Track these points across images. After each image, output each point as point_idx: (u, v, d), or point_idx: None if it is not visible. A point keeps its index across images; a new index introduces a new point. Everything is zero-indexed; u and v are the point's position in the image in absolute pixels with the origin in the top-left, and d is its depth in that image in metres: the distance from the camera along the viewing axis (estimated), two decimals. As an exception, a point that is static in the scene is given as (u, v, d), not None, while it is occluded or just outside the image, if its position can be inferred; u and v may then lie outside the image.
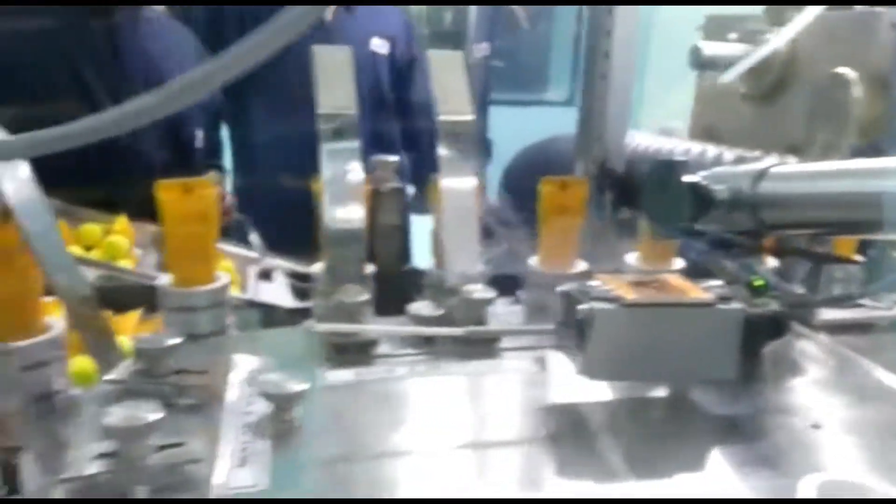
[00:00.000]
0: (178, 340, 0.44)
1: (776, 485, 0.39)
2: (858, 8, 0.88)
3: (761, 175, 0.53)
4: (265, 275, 1.03)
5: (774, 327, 0.48)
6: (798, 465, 0.41)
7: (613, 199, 0.84)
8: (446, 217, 0.58)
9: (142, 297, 0.79)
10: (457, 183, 0.59)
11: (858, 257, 0.62)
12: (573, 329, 0.43)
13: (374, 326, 0.52)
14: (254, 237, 1.03)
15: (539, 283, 0.62)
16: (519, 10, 2.40)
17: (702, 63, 0.92)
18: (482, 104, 2.04)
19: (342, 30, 1.61)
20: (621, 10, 0.81)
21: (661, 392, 0.48)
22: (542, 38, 2.98)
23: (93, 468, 0.35)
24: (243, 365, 0.49)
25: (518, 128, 2.14)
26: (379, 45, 1.69)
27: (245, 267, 1.02)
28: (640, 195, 0.63)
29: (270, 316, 0.91)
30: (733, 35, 1.00)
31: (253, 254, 1.02)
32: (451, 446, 0.41)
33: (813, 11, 0.80)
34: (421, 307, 0.55)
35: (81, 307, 0.44)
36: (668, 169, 0.56)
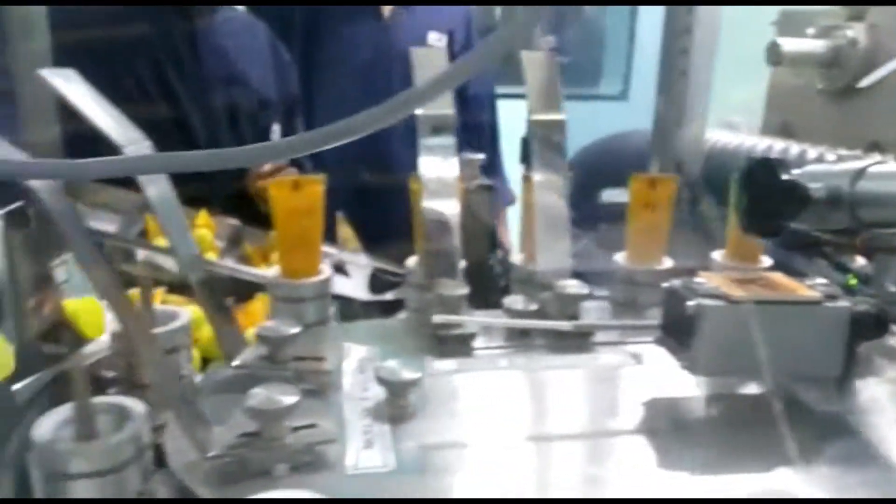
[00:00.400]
0: (298, 329, 0.47)
1: (882, 479, 0.39)
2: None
3: (860, 174, 0.53)
4: (338, 268, 1.06)
5: (877, 325, 0.48)
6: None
7: (690, 197, 0.84)
8: (538, 213, 0.60)
9: (229, 288, 0.82)
10: (548, 179, 0.61)
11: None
12: (680, 325, 0.44)
13: (488, 320, 0.54)
14: (345, 229, 1.06)
15: (627, 279, 0.63)
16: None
17: (781, 59, 0.91)
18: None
19: (399, 25, 1.63)
20: (703, 8, 0.81)
21: (756, 388, 0.49)
22: (596, 31, 2.96)
23: (239, 446, 0.37)
24: (354, 353, 0.51)
25: (572, 121, 2.13)
26: (435, 39, 1.70)
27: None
28: (717, 192, 0.63)
29: (345, 308, 0.94)
30: (811, 31, 0.98)
31: (329, 249, 1.05)
32: (555, 435, 0.43)
33: None
34: (516, 301, 0.57)
35: (209, 293, 0.47)
36: (763, 167, 0.56)
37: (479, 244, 0.66)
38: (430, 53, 0.62)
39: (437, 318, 0.51)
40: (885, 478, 0.39)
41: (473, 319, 0.53)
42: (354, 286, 0.97)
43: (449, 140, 0.60)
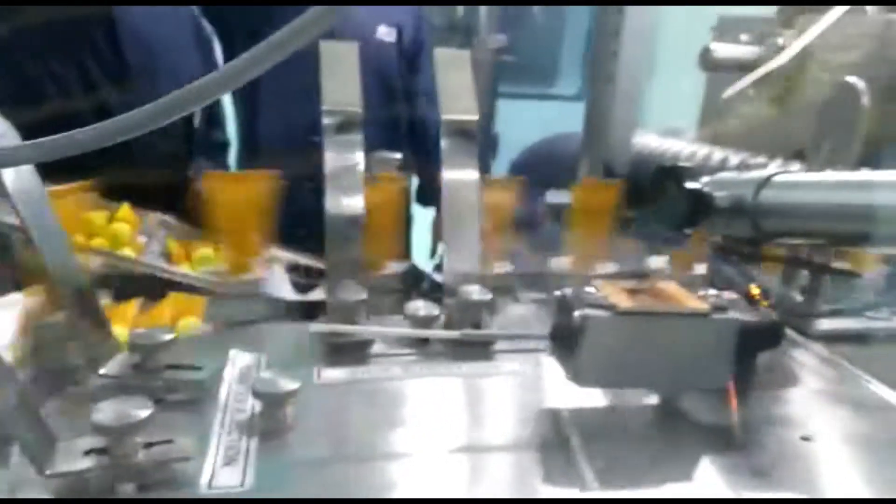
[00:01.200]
0: (171, 335, 0.44)
1: (764, 496, 0.39)
2: (870, 11, 0.87)
3: (764, 183, 0.53)
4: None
5: (769, 337, 0.48)
6: (787, 478, 0.40)
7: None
8: (447, 216, 0.58)
9: (144, 286, 0.79)
10: (458, 181, 0.59)
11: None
12: (567, 335, 0.43)
13: (368, 328, 0.51)
14: None
15: (566, 284, 0.62)
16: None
17: (713, 65, 0.91)
18: (490, 98, 2.03)
19: (348, 17, 1.60)
20: (631, 10, 0.80)
21: (655, 399, 0.48)
22: (553, 31, 2.96)
23: (81, 464, 0.35)
24: (238, 360, 0.49)
25: (526, 122, 2.12)
26: (385, 34, 1.68)
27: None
28: (643, 196, 0.63)
29: (273, 308, 0.91)
30: (744, 37, 0.99)
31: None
32: (441, 449, 0.41)
33: (823, 23, 0.79)
34: (418, 307, 0.55)
35: (78, 298, 0.44)
36: (670, 174, 0.55)
37: (392, 245, 0.64)
38: (341, 48, 0.60)
39: (315, 328, 0.49)
40: (766, 494, 0.39)
41: (354, 329, 0.51)
42: (281, 286, 0.95)
43: (356, 136, 0.58)
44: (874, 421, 0.47)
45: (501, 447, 0.42)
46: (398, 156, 0.68)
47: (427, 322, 0.54)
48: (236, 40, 1.44)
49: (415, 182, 1.69)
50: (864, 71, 0.85)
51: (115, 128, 0.37)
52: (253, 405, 0.43)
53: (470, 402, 0.48)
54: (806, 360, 0.57)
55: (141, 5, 1.06)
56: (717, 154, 0.80)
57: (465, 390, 0.49)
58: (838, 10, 0.81)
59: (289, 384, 0.42)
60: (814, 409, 0.49)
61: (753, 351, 0.47)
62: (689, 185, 0.53)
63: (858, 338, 0.60)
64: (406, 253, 0.68)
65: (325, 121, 0.57)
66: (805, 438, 0.44)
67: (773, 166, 0.73)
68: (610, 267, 0.62)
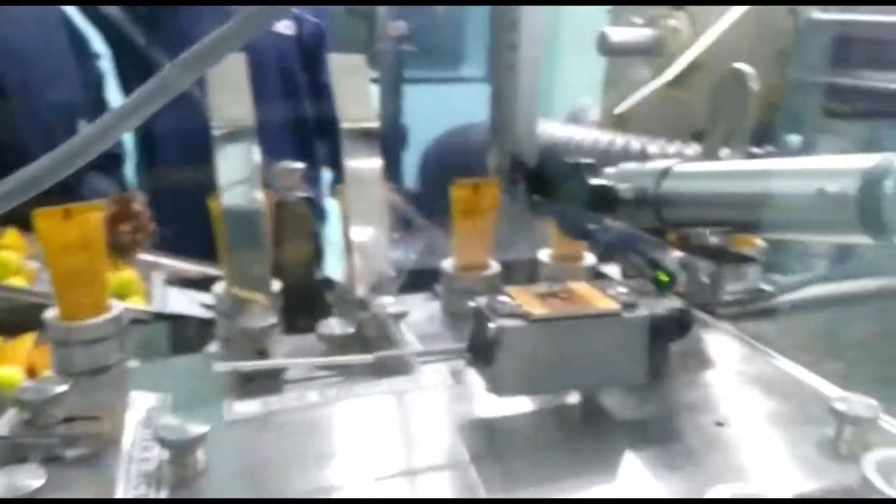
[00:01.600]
0: (63, 388, 0.41)
1: (687, 487, 0.40)
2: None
3: (664, 174, 0.54)
4: (173, 281, 0.98)
5: (678, 327, 0.49)
6: (706, 465, 0.42)
7: (526, 191, 0.84)
8: (351, 227, 0.57)
9: (36, 318, 0.73)
10: (362, 188, 0.58)
11: (758, 244, 0.64)
12: (483, 346, 0.43)
13: (276, 361, 0.49)
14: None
15: (454, 287, 0.62)
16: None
17: (609, 49, 0.92)
18: (395, 87, 2.00)
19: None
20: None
21: (576, 399, 0.48)
22: (456, 13, 2.95)
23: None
24: (141, 403, 0.46)
25: (434, 106, 2.11)
26: (284, 27, 1.63)
27: (150, 273, 0.96)
28: (551, 187, 0.63)
29: (181, 328, 0.87)
30: (638, 19, 1.00)
31: (165, 261, 0.97)
32: (367, 478, 0.40)
33: (725, 23, 0.82)
34: (331, 325, 0.53)
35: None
36: (573, 171, 0.56)
37: (297, 263, 0.62)
38: (228, 61, 0.56)
39: (220, 367, 0.47)
40: (687, 486, 0.40)
41: (257, 364, 0.48)
42: (189, 302, 0.90)
43: (250, 146, 0.55)
44: (783, 398, 0.50)
45: (431, 467, 0.42)
46: (301, 165, 0.65)
47: (340, 340, 0.52)
48: (125, 40, 1.36)
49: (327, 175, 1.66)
50: (751, 40, 0.89)
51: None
52: (160, 453, 0.40)
53: (393, 422, 0.47)
54: (715, 341, 0.59)
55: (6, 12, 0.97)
56: (620, 140, 0.82)
57: (386, 410, 0.48)
58: (740, 9, 0.84)
59: (196, 428, 0.39)
60: (726, 392, 0.51)
61: (666, 341, 0.48)
62: (593, 181, 0.54)
63: (763, 312, 0.63)
64: (317, 268, 0.66)
65: (215, 135, 0.54)
66: (719, 424, 0.46)
67: (672, 149, 0.75)
68: (494, 267, 0.62)
